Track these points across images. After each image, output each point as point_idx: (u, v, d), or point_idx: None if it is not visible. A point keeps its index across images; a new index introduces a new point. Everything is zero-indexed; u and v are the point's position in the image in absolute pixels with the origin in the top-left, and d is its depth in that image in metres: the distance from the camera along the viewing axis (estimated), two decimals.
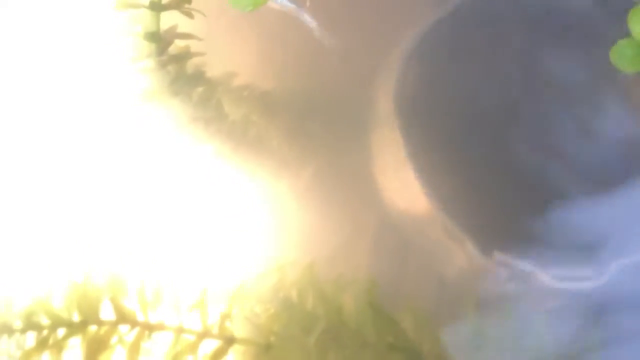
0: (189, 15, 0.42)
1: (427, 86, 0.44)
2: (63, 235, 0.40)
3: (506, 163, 0.43)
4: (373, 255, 0.42)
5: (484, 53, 0.44)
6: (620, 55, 0.41)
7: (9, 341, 0.35)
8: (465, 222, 0.41)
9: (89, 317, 0.35)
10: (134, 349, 0.34)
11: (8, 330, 0.36)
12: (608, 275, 0.40)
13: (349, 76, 0.45)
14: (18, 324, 0.36)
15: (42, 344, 0.35)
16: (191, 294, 0.37)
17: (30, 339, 0.36)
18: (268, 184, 0.43)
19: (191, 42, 0.43)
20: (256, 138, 0.44)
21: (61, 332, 0.36)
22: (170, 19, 0.42)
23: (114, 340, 0.35)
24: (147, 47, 0.42)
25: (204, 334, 0.35)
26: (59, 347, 0.34)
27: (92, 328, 0.35)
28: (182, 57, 0.42)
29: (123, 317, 0.35)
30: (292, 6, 0.45)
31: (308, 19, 0.44)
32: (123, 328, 0.35)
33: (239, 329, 0.37)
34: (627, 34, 0.41)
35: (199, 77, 0.43)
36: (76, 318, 0.35)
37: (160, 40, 0.42)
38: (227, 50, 0.45)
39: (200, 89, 0.43)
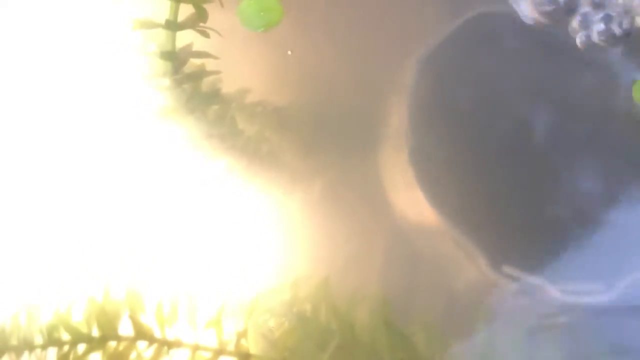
0: (204, 34, 0.42)
1: (438, 102, 0.44)
2: (83, 251, 0.41)
3: (516, 178, 0.43)
4: (384, 269, 0.42)
5: (495, 69, 0.45)
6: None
7: (30, 357, 0.36)
8: (476, 236, 0.42)
9: (108, 333, 0.36)
10: None
11: (29, 346, 0.36)
12: (618, 290, 0.41)
13: (360, 92, 0.45)
14: (39, 340, 0.37)
15: None
16: (207, 309, 0.38)
17: (51, 354, 0.36)
18: (281, 199, 0.44)
19: (207, 60, 0.43)
20: (269, 153, 0.44)
21: (81, 347, 0.36)
22: (186, 37, 0.43)
23: (132, 356, 0.35)
24: (163, 65, 0.43)
25: (220, 351, 0.36)
26: None
27: (112, 344, 0.36)
28: (198, 75, 0.43)
29: (141, 333, 0.36)
30: None
31: None
32: (141, 344, 0.36)
33: (254, 345, 0.37)
34: None
35: (213, 95, 0.44)
36: (96, 334, 0.36)
37: (175, 59, 0.43)
38: (240, 67, 0.45)
39: (215, 107, 0.44)
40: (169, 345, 0.35)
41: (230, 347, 0.36)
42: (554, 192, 0.43)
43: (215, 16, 0.43)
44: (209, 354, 0.36)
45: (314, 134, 0.45)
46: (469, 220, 0.42)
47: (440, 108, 0.44)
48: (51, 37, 0.45)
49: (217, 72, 0.44)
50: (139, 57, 0.43)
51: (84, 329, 0.36)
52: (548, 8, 0.43)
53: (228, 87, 0.45)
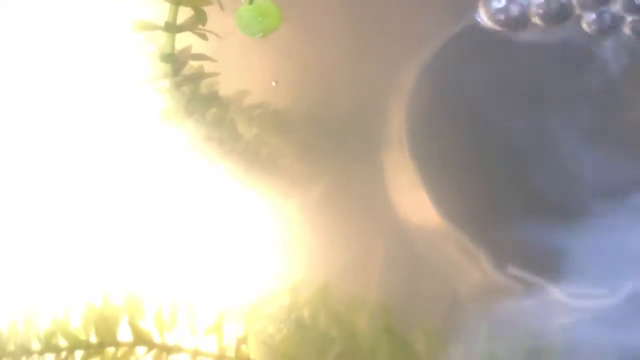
0: (203, 37, 0.42)
1: (438, 106, 0.44)
2: (82, 255, 0.41)
3: (520, 179, 0.43)
4: (386, 272, 0.42)
5: (496, 73, 0.45)
6: None
7: None
8: (480, 238, 0.42)
9: (107, 338, 0.35)
10: None
11: (27, 352, 0.36)
12: (623, 294, 0.41)
13: (361, 95, 0.45)
14: (37, 346, 0.36)
15: None
16: (207, 315, 0.37)
17: None
18: (280, 203, 0.43)
19: (205, 62, 0.43)
20: (268, 157, 0.44)
21: (79, 353, 0.36)
22: (186, 39, 0.43)
23: None
24: (163, 67, 0.43)
25: (220, 357, 0.36)
26: None
27: (110, 350, 0.35)
28: (197, 77, 0.43)
29: (140, 339, 0.35)
30: None
31: None
32: (140, 350, 0.35)
33: (255, 351, 0.37)
34: None
35: (212, 98, 0.44)
36: (94, 340, 0.36)
37: (175, 61, 0.43)
38: (239, 70, 0.45)
39: (214, 109, 0.44)
40: (168, 350, 0.35)
41: (230, 352, 0.36)
42: (559, 194, 0.43)
43: (215, 18, 0.43)
44: None
45: (314, 137, 0.45)
46: (473, 223, 0.42)
47: (441, 111, 0.44)
48: (51, 38, 0.45)
49: (215, 74, 0.44)
50: (139, 59, 0.43)
51: (82, 335, 0.36)
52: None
53: (227, 89, 0.45)
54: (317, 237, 0.43)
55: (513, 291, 0.41)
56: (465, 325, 0.40)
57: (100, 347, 0.35)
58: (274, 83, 0.44)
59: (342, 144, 0.44)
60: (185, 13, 0.43)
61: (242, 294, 0.40)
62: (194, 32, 0.42)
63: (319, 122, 0.45)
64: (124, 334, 0.36)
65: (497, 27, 0.44)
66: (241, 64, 0.45)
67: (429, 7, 0.46)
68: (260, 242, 0.43)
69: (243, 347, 0.36)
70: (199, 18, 0.42)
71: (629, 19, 0.44)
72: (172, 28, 0.42)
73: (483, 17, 0.44)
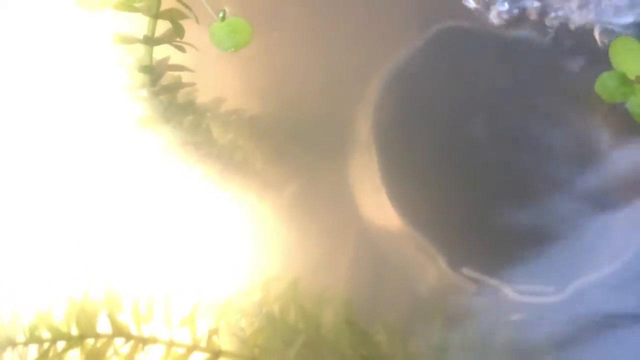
0: (181, 48, 0.44)
1: (402, 113, 0.46)
2: (63, 252, 0.42)
3: (476, 185, 0.45)
4: (351, 271, 0.43)
5: (458, 81, 0.46)
6: (604, 87, 0.43)
7: (13, 353, 0.38)
8: (437, 240, 0.43)
9: (87, 331, 0.37)
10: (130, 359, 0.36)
11: (12, 343, 0.38)
12: (568, 293, 0.42)
13: (330, 103, 0.46)
14: (21, 338, 0.38)
15: (43, 356, 0.37)
16: (181, 308, 0.39)
17: (32, 351, 0.38)
18: (253, 204, 0.45)
19: (182, 72, 0.45)
20: (242, 161, 0.46)
21: (61, 345, 0.38)
22: (164, 51, 0.44)
23: (109, 352, 0.37)
24: (142, 77, 0.44)
25: (193, 347, 0.38)
26: (59, 359, 0.36)
27: (90, 341, 0.37)
28: (174, 87, 0.45)
29: (118, 331, 0.37)
30: None
31: None
32: (118, 341, 0.37)
33: (226, 342, 0.39)
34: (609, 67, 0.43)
35: (189, 106, 0.45)
36: (75, 332, 0.38)
37: (153, 71, 0.44)
38: (215, 79, 0.46)
39: (190, 117, 0.45)
40: (144, 342, 0.37)
41: (203, 343, 0.38)
42: (511, 199, 0.44)
43: (191, 31, 0.44)
44: (183, 350, 0.38)
45: (286, 142, 0.46)
46: (431, 225, 0.43)
47: (404, 117, 0.46)
48: (34, 49, 0.46)
49: (192, 84, 0.45)
50: (119, 70, 0.45)
51: (64, 328, 0.38)
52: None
53: (203, 97, 0.46)
54: (288, 236, 0.44)
55: (467, 289, 0.42)
56: (423, 320, 0.42)
57: (80, 338, 0.37)
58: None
59: (311, 149, 0.46)
60: (163, 26, 0.44)
61: (216, 289, 0.41)
62: (171, 44, 0.44)
63: (290, 128, 0.46)
64: (104, 327, 0.38)
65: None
66: (217, 73, 0.46)
67: (394, 18, 0.47)
68: (233, 240, 0.44)
69: (215, 338, 0.38)
70: (177, 31, 0.43)
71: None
72: (150, 41, 0.43)
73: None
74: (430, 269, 0.43)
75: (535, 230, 0.44)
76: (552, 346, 0.41)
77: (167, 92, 0.44)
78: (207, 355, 0.38)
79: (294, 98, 0.46)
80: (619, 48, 0.43)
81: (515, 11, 0.46)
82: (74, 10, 0.44)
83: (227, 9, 0.44)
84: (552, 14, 0.46)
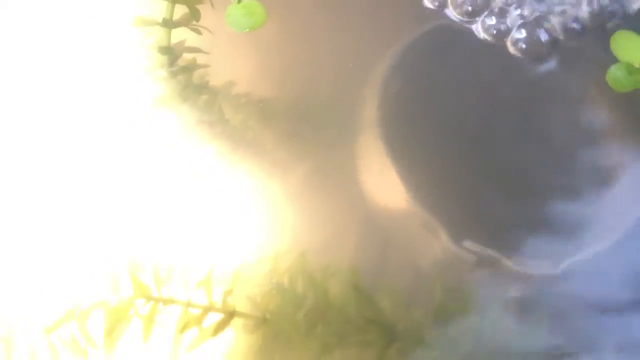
0: (197, 31, 0.45)
1: (408, 95, 0.47)
2: (89, 225, 0.44)
3: (478, 163, 0.46)
4: (357, 248, 0.44)
5: (463, 66, 0.47)
6: (614, 79, 0.45)
7: None
8: (440, 215, 0.44)
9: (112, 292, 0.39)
10: (149, 320, 0.38)
11: None
12: (566, 267, 0.44)
13: (338, 86, 0.47)
14: None
15: (68, 316, 0.39)
16: (197, 274, 0.41)
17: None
18: (264, 183, 0.46)
19: (197, 55, 0.46)
20: (253, 140, 0.47)
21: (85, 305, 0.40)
22: (181, 34, 0.46)
23: (130, 312, 0.39)
24: (160, 59, 0.46)
25: (209, 308, 0.40)
26: (84, 317, 0.39)
27: (112, 301, 0.39)
28: (190, 68, 0.46)
29: (139, 293, 0.39)
30: None
31: None
32: (139, 302, 0.40)
33: (239, 305, 0.41)
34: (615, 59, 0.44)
35: (203, 86, 0.46)
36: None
37: (171, 53, 0.46)
38: (228, 62, 0.48)
39: (204, 97, 0.47)
40: (163, 302, 0.39)
41: (218, 305, 0.40)
42: (512, 176, 0.46)
43: (207, 15, 0.46)
44: (199, 311, 0.40)
45: (295, 124, 0.47)
46: (434, 201, 0.45)
47: (411, 101, 0.47)
48: (57, 33, 0.47)
49: (206, 66, 0.47)
50: (139, 51, 0.46)
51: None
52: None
53: (216, 80, 0.47)
54: (296, 213, 0.45)
55: (468, 261, 0.44)
56: (426, 292, 0.43)
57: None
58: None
59: (321, 131, 0.47)
60: (180, 10, 0.46)
61: (228, 262, 0.43)
62: (188, 28, 0.46)
63: (299, 111, 0.47)
64: (126, 289, 0.40)
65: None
66: (230, 57, 0.48)
67: (401, 8, 0.48)
68: (243, 215, 0.45)
69: (229, 300, 0.40)
70: (193, 15, 0.45)
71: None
72: (168, 24, 0.45)
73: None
74: (433, 242, 0.45)
75: (535, 205, 0.45)
76: (548, 319, 0.43)
77: (184, 72, 0.46)
78: (221, 315, 0.40)
79: (303, 82, 0.48)
80: (619, 41, 0.45)
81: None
82: None
83: None
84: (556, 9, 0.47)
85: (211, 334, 0.39)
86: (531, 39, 0.46)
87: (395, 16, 0.48)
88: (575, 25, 0.47)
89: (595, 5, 0.46)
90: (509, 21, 0.47)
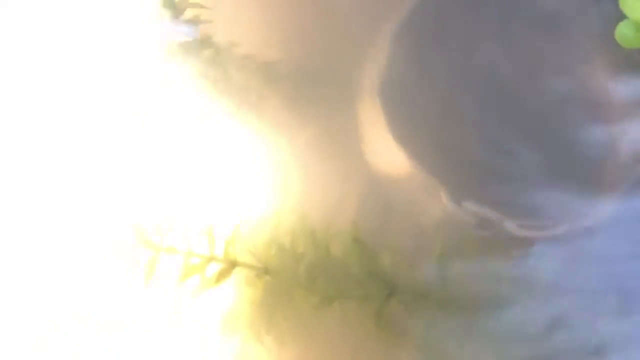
0: None
1: (410, 61, 0.47)
2: (101, 180, 0.44)
3: (476, 125, 0.46)
4: (359, 210, 0.45)
5: (468, 33, 0.47)
6: (622, 36, 0.44)
7: None
8: (441, 176, 0.45)
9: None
10: (151, 266, 0.39)
11: None
12: (563, 228, 0.44)
13: (341, 51, 0.47)
14: None
15: None
16: (200, 227, 0.41)
17: None
18: (266, 144, 0.46)
19: (201, 11, 0.47)
20: (257, 102, 0.47)
21: None
22: None
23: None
24: (165, 12, 0.46)
25: (211, 258, 0.40)
26: None
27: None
28: (193, 22, 0.47)
29: (142, 241, 0.40)
30: None
31: None
32: (141, 250, 0.40)
33: (241, 256, 0.41)
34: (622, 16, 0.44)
35: (206, 40, 0.47)
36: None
37: (175, 7, 0.46)
38: (231, 21, 0.48)
39: (208, 50, 0.47)
40: (166, 251, 0.40)
41: (220, 255, 0.40)
42: (512, 138, 0.46)
43: None
44: (201, 260, 0.40)
45: (299, 88, 0.47)
46: (435, 162, 0.45)
47: (412, 64, 0.47)
48: None
49: (210, 21, 0.47)
50: (145, 4, 0.46)
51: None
52: None
53: (220, 37, 0.47)
54: (299, 177, 0.45)
55: (468, 222, 0.44)
56: (427, 251, 0.43)
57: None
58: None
59: (324, 95, 0.47)
60: None
61: (234, 218, 0.43)
62: None
63: (304, 74, 0.47)
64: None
65: None
66: (233, 17, 0.48)
67: None
68: (245, 174, 0.45)
69: (230, 250, 0.40)
70: None
71: None
72: None
73: None
74: (434, 205, 0.45)
75: (535, 166, 0.45)
76: (547, 280, 0.43)
77: (188, 25, 0.46)
78: (223, 265, 0.40)
79: (307, 45, 0.48)
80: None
81: None
82: None
83: None
84: None
85: (214, 282, 0.40)
86: None
87: None
88: None
89: None
90: None
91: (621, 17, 0.45)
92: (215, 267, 0.40)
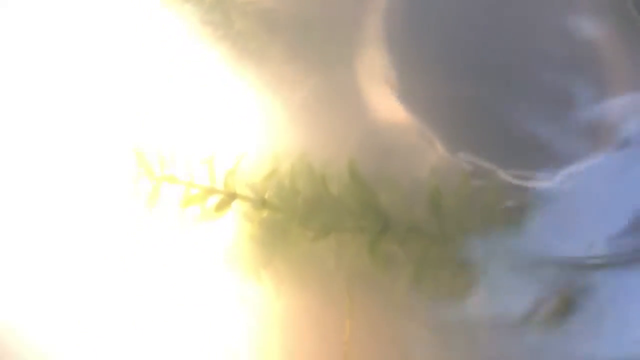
0: None
1: (411, 12, 0.48)
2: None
3: (473, 77, 0.47)
4: (358, 155, 0.44)
5: None
6: None
7: None
8: (437, 127, 0.45)
9: None
10: (153, 196, 0.40)
11: None
12: (560, 178, 0.44)
13: (343, 2, 0.48)
14: None
15: None
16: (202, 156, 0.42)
17: None
18: (266, 94, 0.47)
19: None
20: (257, 50, 0.47)
21: None
22: None
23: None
24: None
25: (211, 190, 0.41)
26: None
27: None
28: None
29: (144, 171, 0.41)
30: None
31: None
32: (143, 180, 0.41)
33: (240, 189, 0.42)
34: None
35: None
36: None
37: None
38: None
39: None
40: (167, 180, 0.41)
41: (219, 186, 0.41)
42: (508, 90, 0.46)
43: None
44: (201, 191, 0.41)
45: (300, 38, 0.48)
46: (431, 113, 0.46)
47: (412, 18, 0.48)
48: None
49: None
50: None
51: None
52: None
53: None
54: (298, 126, 0.46)
55: (465, 172, 0.45)
56: (421, 196, 0.44)
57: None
58: None
59: (325, 45, 0.47)
60: None
61: (234, 150, 0.44)
62: None
63: (305, 24, 0.48)
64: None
65: None
66: None
67: None
68: (244, 121, 0.46)
69: (230, 181, 0.41)
70: None
71: None
72: None
73: None
74: (430, 154, 0.45)
75: (530, 116, 0.46)
76: (542, 231, 0.44)
77: None
78: (222, 197, 0.41)
79: None
80: None
81: None
82: None
83: None
84: None
85: (213, 212, 0.41)
86: None
87: None
88: None
89: None
90: None
91: None
92: (215, 199, 0.41)
